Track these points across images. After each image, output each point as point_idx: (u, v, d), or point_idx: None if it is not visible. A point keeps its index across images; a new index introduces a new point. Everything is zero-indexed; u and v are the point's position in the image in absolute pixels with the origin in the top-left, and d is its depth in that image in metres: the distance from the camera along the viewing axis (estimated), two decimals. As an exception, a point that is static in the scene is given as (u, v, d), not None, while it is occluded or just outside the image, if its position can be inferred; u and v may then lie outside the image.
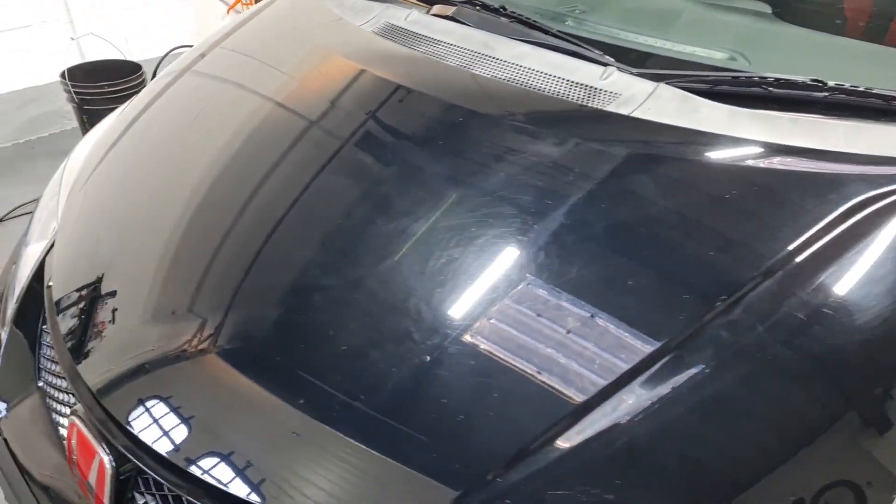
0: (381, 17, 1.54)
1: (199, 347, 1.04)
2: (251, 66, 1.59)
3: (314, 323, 1.03)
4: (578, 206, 1.06)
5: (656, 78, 1.20)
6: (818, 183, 1.01)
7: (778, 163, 1.05)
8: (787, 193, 1.01)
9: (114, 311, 1.19)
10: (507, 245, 1.05)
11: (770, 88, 1.15)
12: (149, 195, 1.38)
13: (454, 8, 1.49)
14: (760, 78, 1.16)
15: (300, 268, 1.13)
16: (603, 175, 1.08)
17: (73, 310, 1.22)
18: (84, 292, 1.25)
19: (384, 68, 1.39)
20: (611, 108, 1.17)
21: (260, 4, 1.89)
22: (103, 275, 1.25)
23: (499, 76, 1.28)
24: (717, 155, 1.08)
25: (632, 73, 1.22)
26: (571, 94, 1.21)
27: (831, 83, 1.12)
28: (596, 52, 1.28)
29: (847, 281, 0.93)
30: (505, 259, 1.04)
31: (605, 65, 1.25)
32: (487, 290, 1.01)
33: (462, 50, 1.36)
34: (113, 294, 1.21)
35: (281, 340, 1.03)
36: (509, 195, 1.10)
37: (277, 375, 0.99)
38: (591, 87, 1.21)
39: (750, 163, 1.06)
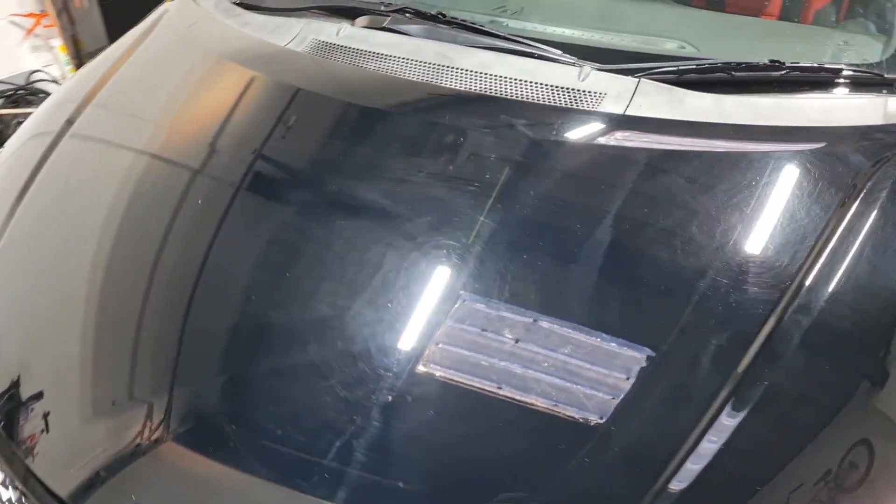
0: (306, 34, 1.42)
1: (153, 437, 0.97)
2: (160, 108, 1.40)
3: (263, 386, 0.98)
4: (615, 213, 1.06)
5: (629, 73, 1.21)
6: (827, 160, 1.09)
7: (779, 144, 1.11)
8: (802, 174, 1.07)
9: (46, 414, 1.05)
10: (556, 267, 1.02)
11: (733, 73, 1.21)
12: (61, 279, 1.21)
13: (387, 18, 1.41)
14: (724, 64, 1.21)
15: (237, 327, 1.06)
16: (625, 177, 1.08)
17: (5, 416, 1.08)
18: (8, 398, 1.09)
19: (340, 92, 1.29)
20: (603, 109, 1.17)
21: (135, 32, 1.67)
22: (19, 376, 1.10)
23: (473, 88, 1.23)
24: (726, 144, 1.12)
25: (606, 71, 1.22)
26: (558, 98, 1.19)
27: (787, 63, 1.20)
28: (557, 52, 1.27)
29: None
30: (553, 280, 1.02)
31: (572, 64, 1.25)
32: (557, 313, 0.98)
33: (418, 63, 1.29)
34: (40, 395, 1.07)
35: (235, 413, 0.97)
36: (538, 214, 1.07)
37: (243, 454, 0.93)
38: (575, 90, 1.20)
39: (755, 148, 1.11)
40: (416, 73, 1.28)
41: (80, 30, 3.65)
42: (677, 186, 1.07)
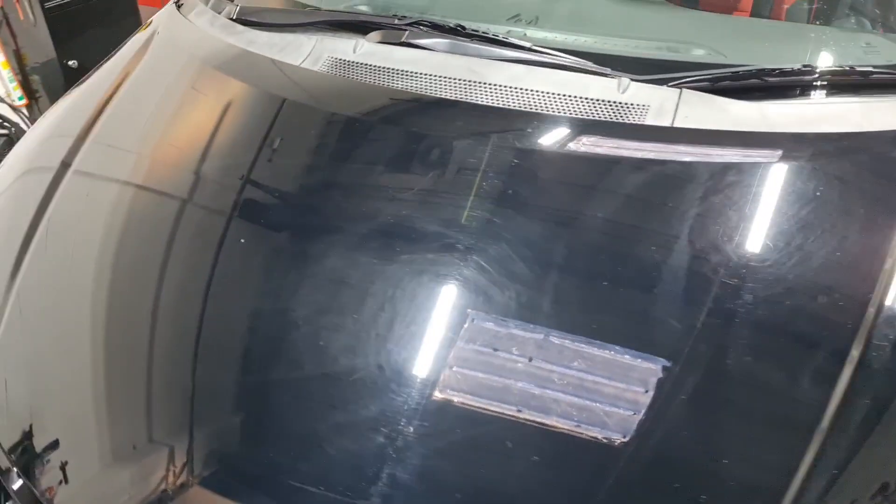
0: (320, 52, 1.35)
1: (179, 482, 0.93)
2: (179, 143, 1.32)
3: (283, 424, 0.94)
4: (679, 229, 1.04)
5: (664, 83, 1.19)
6: (883, 166, 1.09)
7: (832, 151, 1.11)
8: (864, 181, 1.07)
9: (63, 465, 1.00)
10: (634, 285, 1.00)
11: (767, 79, 1.20)
12: (69, 325, 1.15)
13: (403, 33, 1.35)
14: (759, 70, 1.21)
15: (251, 363, 1.02)
16: (690, 193, 1.06)
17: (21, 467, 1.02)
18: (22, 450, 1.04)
19: (373, 113, 1.23)
20: (650, 122, 1.14)
21: (124, 55, 1.57)
22: (32, 427, 1.05)
23: (510, 104, 1.20)
24: (781, 154, 1.11)
25: (644, 82, 1.20)
26: (601, 112, 1.16)
27: (819, 67, 1.21)
28: (589, 63, 1.24)
29: None
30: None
31: (607, 76, 1.22)
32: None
33: (447, 80, 1.25)
34: (56, 445, 1.02)
35: (257, 453, 0.94)
36: (604, 236, 1.04)
37: (269, 494, 0.90)
38: (617, 103, 1.17)
39: (812, 156, 1.10)
40: (447, 90, 1.23)
41: (23, 43, 3.45)
42: (740, 199, 1.05)
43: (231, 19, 1.51)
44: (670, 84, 1.19)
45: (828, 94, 1.20)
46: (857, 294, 0.96)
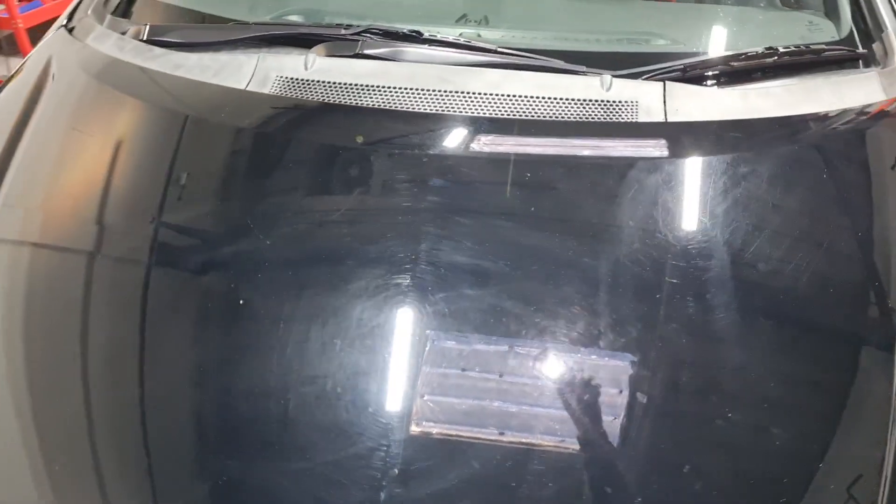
0: (265, 72, 1.20)
1: None
2: (126, 195, 1.13)
3: (260, 483, 0.86)
4: (697, 224, 1.01)
5: (645, 76, 1.17)
6: (875, 140, 1.12)
7: (826, 131, 1.13)
8: (869, 157, 1.09)
9: None
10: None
11: (733, 64, 1.21)
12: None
13: (356, 43, 1.24)
14: (731, 56, 1.21)
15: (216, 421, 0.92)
16: (708, 189, 1.04)
17: None
18: None
19: (344, 135, 1.12)
20: (644, 118, 1.11)
21: (7, 97, 1.33)
22: None
23: (498, 112, 1.13)
24: (776, 138, 1.11)
25: (625, 77, 1.17)
26: (591, 113, 1.12)
27: (780, 48, 1.23)
28: (564, 63, 1.20)
29: None
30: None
31: (585, 74, 1.18)
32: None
33: (422, 92, 1.15)
34: None
35: None
36: (618, 240, 1.00)
37: None
38: (605, 101, 1.13)
39: (813, 137, 1.12)
40: (424, 103, 1.14)
41: None
42: (757, 189, 1.05)
43: (142, 41, 1.32)
44: (649, 77, 1.17)
45: (793, 75, 1.22)
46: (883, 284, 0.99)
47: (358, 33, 1.26)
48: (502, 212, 1.04)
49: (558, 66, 1.19)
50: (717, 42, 1.30)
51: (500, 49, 1.21)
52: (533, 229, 1.02)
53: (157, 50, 1.29)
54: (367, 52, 1.22)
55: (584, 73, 1.18)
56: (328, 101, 1.15)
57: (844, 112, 1.15)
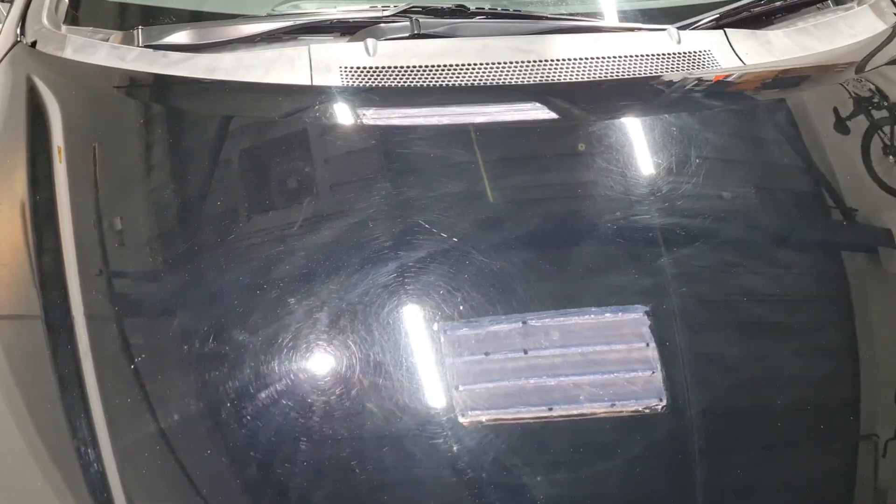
0: (324, 63, 1.08)
1: None
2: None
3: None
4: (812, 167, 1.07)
5: (704, 25, 1.20)
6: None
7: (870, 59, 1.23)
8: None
9: None
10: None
11: (752, 9, 1.28)
12: None
13: (405, 24, 1.14)
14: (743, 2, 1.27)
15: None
16: (818, 125, 1.09)
17: None
18: None
19: (460, 119, 1.05)
20: (726, 66, 1.14)
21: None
22: None
23: (592, 76, 1.10)
24: (840, 71, 1.19)
25: (685, 28, 1.19)
26: (680, 65, 1.13)
27: None
28: (622, 22, 1.20)
29: None
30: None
31: (651, 30, 1.19)
32: None
33: (509, 66, 1.10)
34: None
35: None
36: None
37: None
38: (682, 53, 1.15)
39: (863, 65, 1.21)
40: (517, 76, 1.09)
41: None
42: (852, 121, 1.12)
43: (144, 47, 1.12)
44: (708, 26, 1.20)
45: (803, 15, 1.32)
46: None
47: (397, 14, 1.17)
48: (641, 177, 1.02)
49: (622, 26, 1.19)
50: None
51: (559, 15, 1.19)
52: (679, 184, 1.01)
53: (174, 55, 1.11)
54: (423, 31, 1.14)
55: (650, 29, 1.18)
56: (416, 85, 1.06)
57: (872, 40, 1.26)
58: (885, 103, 1.17)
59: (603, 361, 0.86)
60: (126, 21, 1.26)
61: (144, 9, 1.28)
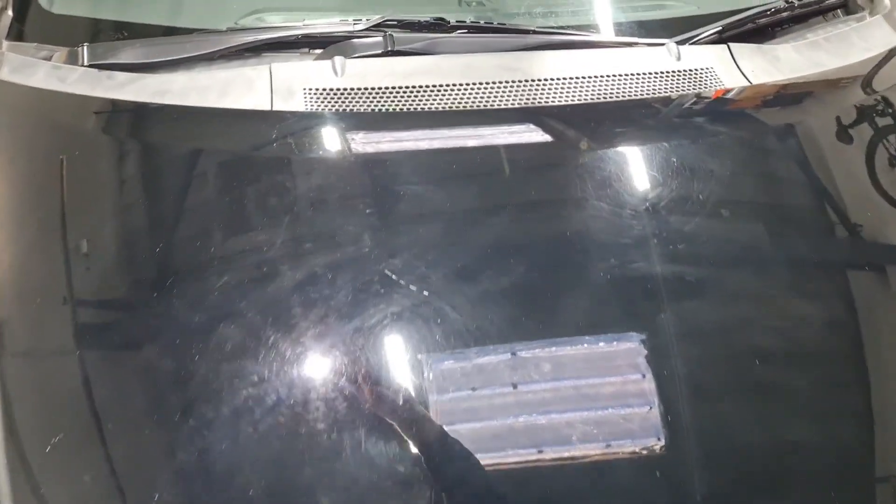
0: (286, 84, 0.98)
1: None
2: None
3: None
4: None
5: (703, 40, 1.11)
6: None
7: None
8: None
9: None
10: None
11: (758, 21, 1.19)
12: None
13: (376, 40, 1.04)
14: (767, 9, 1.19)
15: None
16: (833, 145, 1.00)
17: None
18: None
19: (431, 142, 0.95)
20: (730, 84, 1.05)
21: None
22: None
23: (582, 98, 1.01)
24: (851, 87, 1.10)
25: (683, 43, 1.10)
26: (679, 85, 1.04)
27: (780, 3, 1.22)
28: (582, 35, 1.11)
29: None
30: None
31: (649, 45, 1.09)
32: None
33: (493, 86, 1.00)
34: None
35: None
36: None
37: None
38: (683, 71, 1.06)
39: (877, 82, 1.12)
40: (501, 97, 0.99)
41: None
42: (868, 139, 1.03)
43: (86, 66, 1.02)
44: (710, 39, 1.10)
45: (810, 26, 1.23)
46: None
47: (368, 29, 1.06)
48: (636, 203, 0.92)
49: (617, 41, 1.09)
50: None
51: (547, 29, 1.10)
52: (678, 214, 0.91)
53: (121, 76, 1.00)
54: (398, 48, 1.04)
55: (648, 45, 1.09)
56: (390, 110, 0.95)
57: (888, 54, 1.17)
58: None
59: (597, 396, 0.81)
60: (74, 36, 1.15)
61: (94, 22, 1.16)
